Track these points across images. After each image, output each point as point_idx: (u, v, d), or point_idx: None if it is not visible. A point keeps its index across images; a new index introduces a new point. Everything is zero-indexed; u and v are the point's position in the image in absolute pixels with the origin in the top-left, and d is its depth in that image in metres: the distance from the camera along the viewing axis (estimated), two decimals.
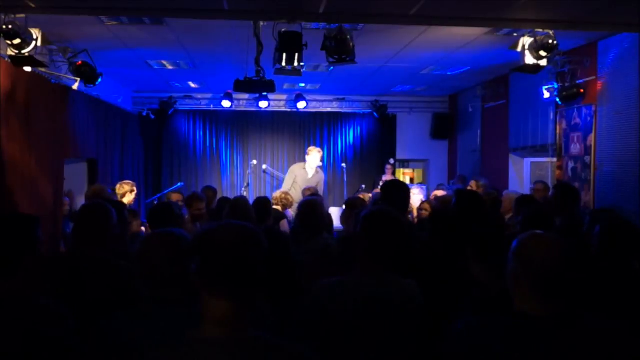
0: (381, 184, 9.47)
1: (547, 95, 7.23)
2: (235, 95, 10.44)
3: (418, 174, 11.97)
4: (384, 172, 10.51)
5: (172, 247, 2.03)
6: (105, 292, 2.53)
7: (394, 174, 10.71)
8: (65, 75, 6.60)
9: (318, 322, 2.27)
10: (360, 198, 5.42)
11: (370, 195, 7.21)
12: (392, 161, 10.69)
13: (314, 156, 8.46)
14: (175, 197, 5.96)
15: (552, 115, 7.40)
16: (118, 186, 6.09)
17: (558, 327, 1.66)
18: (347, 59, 5.00)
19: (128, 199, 5.93)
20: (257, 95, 10.14)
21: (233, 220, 1.62)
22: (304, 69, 5.39)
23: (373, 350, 2.27)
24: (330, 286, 2.34)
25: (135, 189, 6.13)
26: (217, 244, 1.49)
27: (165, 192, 9.50)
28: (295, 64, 5.02)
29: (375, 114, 11.26)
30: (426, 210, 5.60)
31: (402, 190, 3.79)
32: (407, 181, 11.18)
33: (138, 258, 2.04)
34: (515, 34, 5.86)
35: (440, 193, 6.70)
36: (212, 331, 1.48)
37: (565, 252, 1.72)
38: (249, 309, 1.52)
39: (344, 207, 4.74)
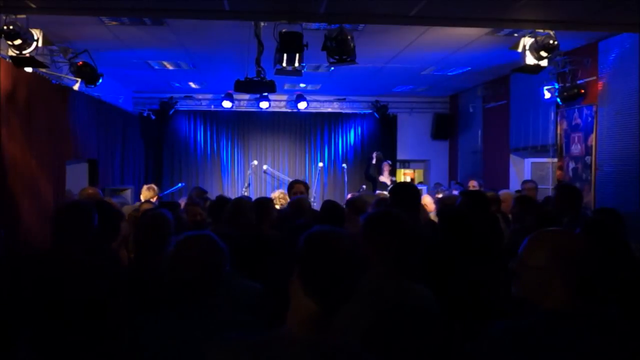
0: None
1: (547, 95, 7.22)
2: (236, 96, 10.44)
3: (419, 174, 11.96)
4: (381, 173, 10.24)
5: (206, 251, 1.99)
6: (82, 291, 2.47)
7: (393, 173, 10.60)
8: (66, 76, 6.60)
9: None
10: (362, 199, 5.39)
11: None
12: (378, 161, 10.16)
13: None
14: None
15: (552, 116, 7.39)
16: (144, 189, 6.63)
17: (593, 323, 1.68)
18: (348, 59, 4.99)
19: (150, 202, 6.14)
20: (258, 95, 10.14)
21: (336, 227, 1.63)
22: (305, 70, 5.40)
23: None
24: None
25: (157, 194, 6.60)
26: (330, 249, 1.51)
27: (167, 192, 9.49)
28: (296, 64, 5.03)
29: (376, 114, 11.26)
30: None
31: (411, 192, 3.69)
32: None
33: (171, 261, 2.00)
34: (515, 35, 5.86)
35: (440, 195, 6.67)
36: (302, 331, 1.49)
37: (592, 246, 1.78)
38: (335, 314, 1.53)
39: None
